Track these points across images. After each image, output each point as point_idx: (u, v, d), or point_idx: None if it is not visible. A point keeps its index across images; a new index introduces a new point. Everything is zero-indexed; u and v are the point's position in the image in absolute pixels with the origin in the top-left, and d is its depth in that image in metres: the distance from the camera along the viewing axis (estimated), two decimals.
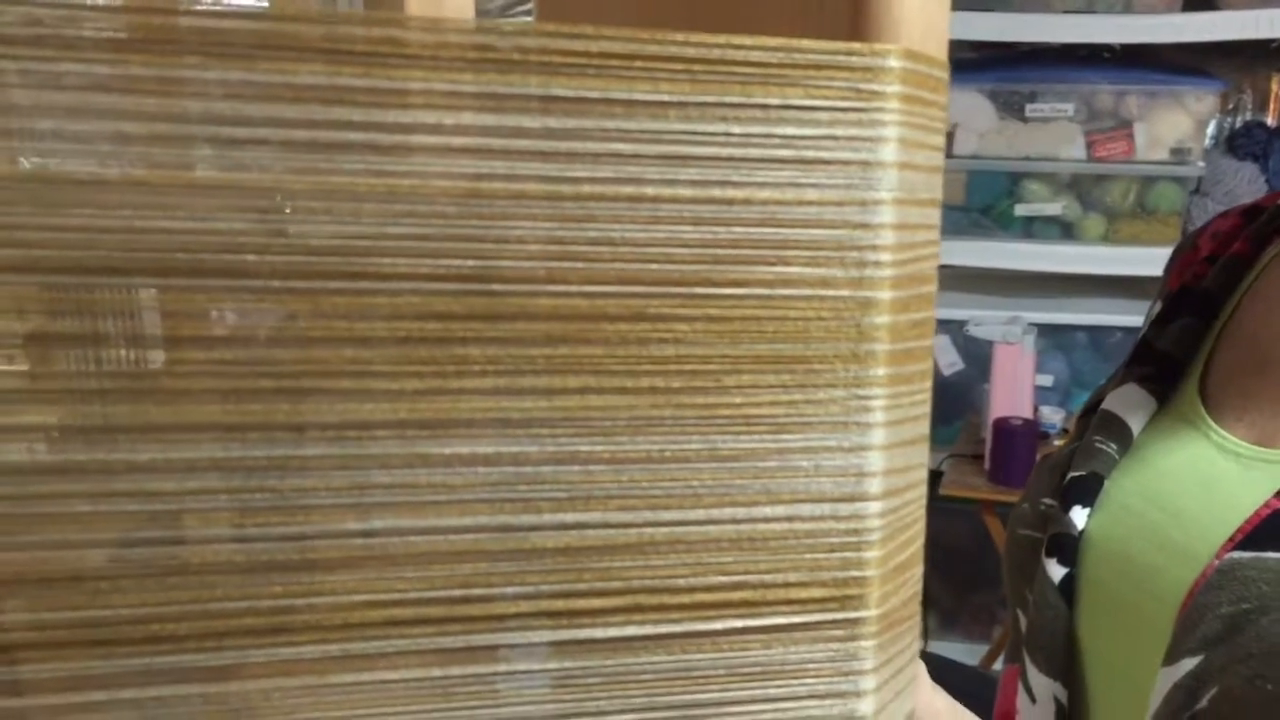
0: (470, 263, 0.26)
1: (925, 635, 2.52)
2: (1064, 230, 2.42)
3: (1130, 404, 0.69)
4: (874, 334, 0.28)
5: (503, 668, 0.28)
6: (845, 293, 0.28)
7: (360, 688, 0.27)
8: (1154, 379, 0.69)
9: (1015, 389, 2.21)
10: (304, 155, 0.25)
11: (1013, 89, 2.36)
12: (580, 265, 0.26)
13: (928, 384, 0.31)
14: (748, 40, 0.26)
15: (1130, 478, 0.66)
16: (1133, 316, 2.33)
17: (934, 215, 0.30)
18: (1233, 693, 0.53)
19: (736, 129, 0.27)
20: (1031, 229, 2.42)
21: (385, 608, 0.27)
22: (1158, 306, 0.78)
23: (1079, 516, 0.65)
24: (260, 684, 0.27)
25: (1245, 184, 2.26)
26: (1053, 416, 2.36)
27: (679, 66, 0.26)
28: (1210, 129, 2.38)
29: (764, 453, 0.28)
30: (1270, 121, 2.44)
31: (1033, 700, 0.67)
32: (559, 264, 0.26)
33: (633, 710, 0.29)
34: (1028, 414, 2.18)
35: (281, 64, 0.24)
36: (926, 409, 0.31)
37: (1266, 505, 0.57)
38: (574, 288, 0.27)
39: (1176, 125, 2.34)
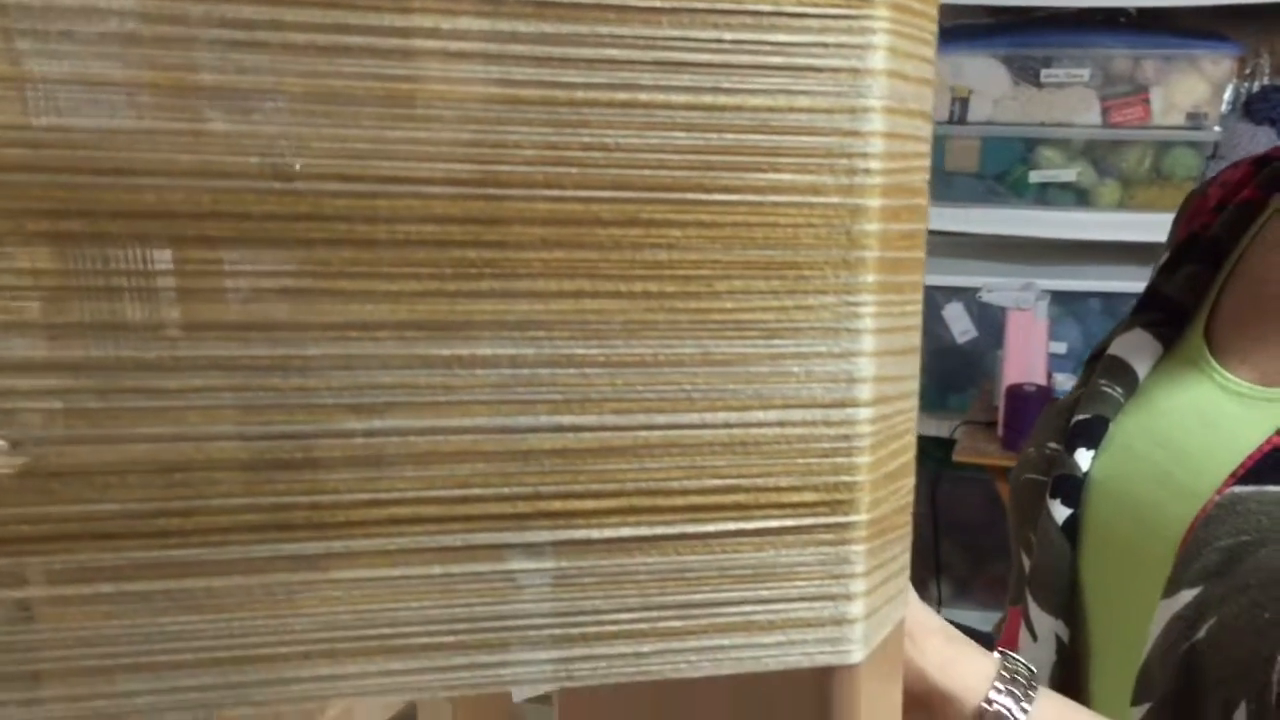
0: (467, 167, 0.26)
1: (939, 603, 2.53)
2: (1079, 197, 2.41)
3: (1136, 348, 0.70)
4: (863, 241, 0.29)
5: (501, 566, 0.29)
6: (835, 199, 0.29)
7: (361, 584, 0.28)
8: (1160, 324, 0.70)
9: (1028, 356, 2.21)
10: (302, 59, 0.25)
11: (1028, 54, 2.35)
12: (574, 170, 0.27)
13: (918, 295, 0.32)
14: None
15: (1135, 420, 0.67)
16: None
17: (924, 128, 0.31)
18: (1231, 622, 0.53)
19: (728, 35, 0.27)
20: (1046, 196, 2.41)
21: (385, 506, 0.28)
22: (1165, 256, 0.79)
23: (1083, 458, 0.66)
24: (263, 579, 0.27)
25: (1262, 148, 2.25)
26: (1066, 383, 2.36)
27: None
28: (1227, 93, 2.36)
29: (756, 357, 0.29)
30: None
31: (1034, 638, 0.68)
32: (554, 169, 0.27)
33: (628, 610, 0.30)
34: (1041, 380, 2.18)
35: None
36: (918, 321, 0.32)
37: (1268, 441, 0.58)
38: (569, 192, 0.27)
39: (1193, 90, 2.33)
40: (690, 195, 0.28)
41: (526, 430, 0.28)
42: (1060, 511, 0.66)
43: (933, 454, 2.43)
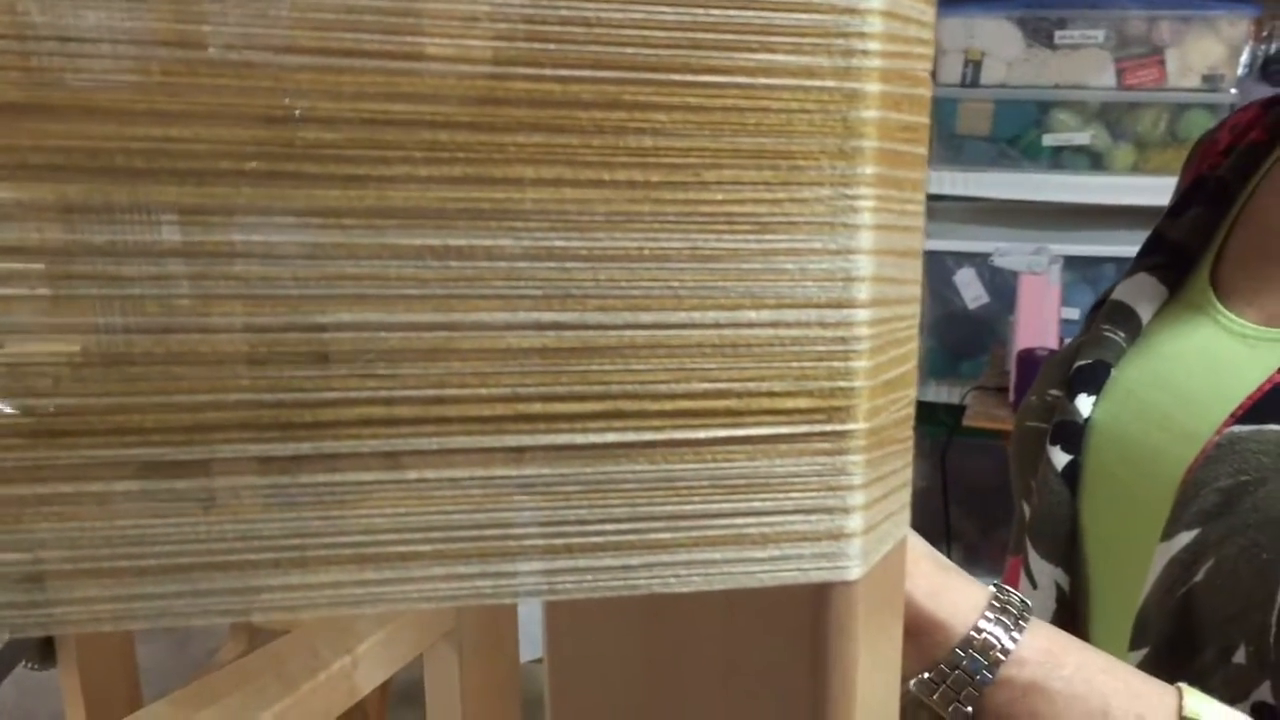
0: (437, 40, 0.25)
1: None
2: (1093, 160, 2.38)
3: (1140, 293, 0.68)
4: (861, 129, 0.27)
5: (479, 473, 0.27)
6: (831, 84, 0.27)
7: (330, 489, 0.27)
8: (1165, 268, 0.69)
9: (1041, 320, 2.19)
10: None
11: (1041, 15, 2.32)
12: (552, 46, 0.25)
13: (921, 195, 0.30)
14: None
15: (1137, 364, 0.65)
16: None
17: (927, 11, 0.29)
18: (1228, 564, 0.52)
19: None
20: (1060, 159, 2.39)
21: (355, 406, 0.26)
22: (1173, 201, 0.77)
23: (1084, 404, 0.65)
24: (230, 480, 0.26)
25: None
26: None
27: None
28: (1244, 55, 2.33)
29: (747, 253, 0.27)
30: None
31: (1034, 586, 0.66)
32: (530, 45, 0.25)
33: (614, 520, 0.28)
34: (1054, 345, 2.16)
35: None
36: (919, 221, 0.30)
37: (1269, 380, 0.56)
38: (546, 70, 0.26)
39: (1209, 51, 2.30)
40: (676, 76, 0.26)
41: (503, 327, 0.27)
42: (1060, 458, 0.65)
43: (944, 420, 2.42)
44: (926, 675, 0.47)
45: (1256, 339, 0.60)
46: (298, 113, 0.24)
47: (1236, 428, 0.55)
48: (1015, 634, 0.47)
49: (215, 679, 0.74)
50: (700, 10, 0.26)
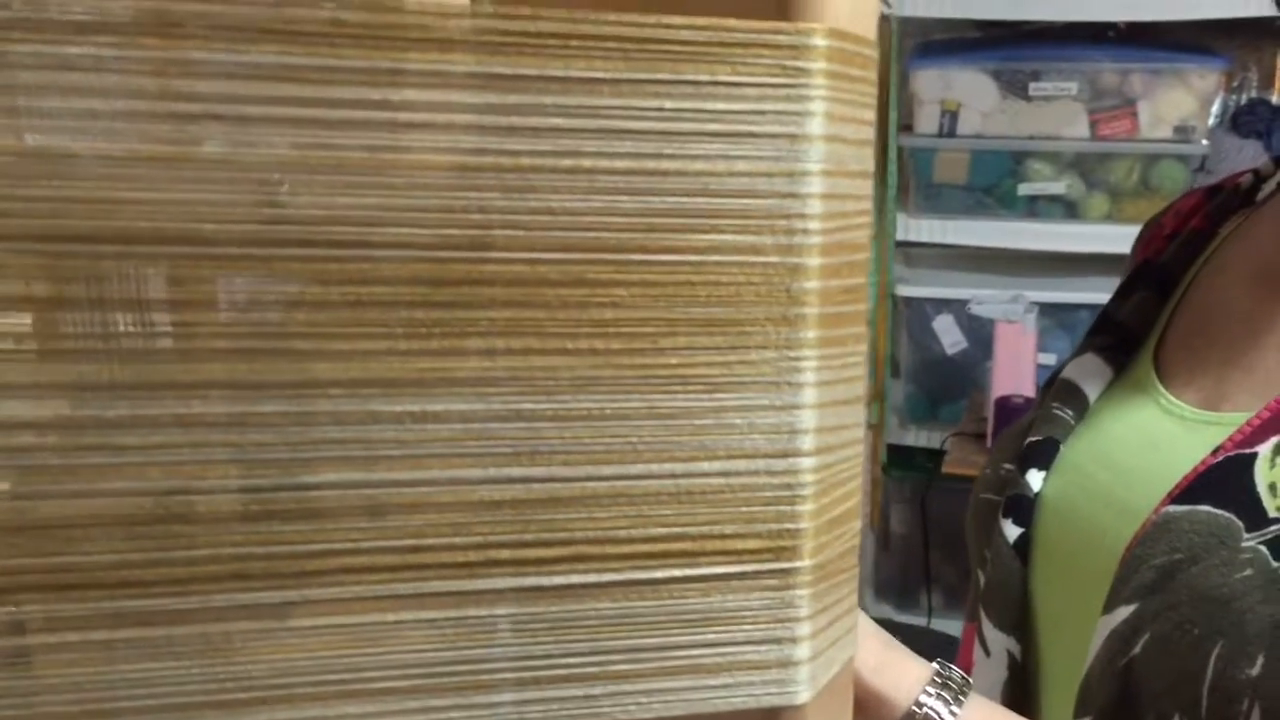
0: (415, 231, 0.28)
1: (929, 613, 2.54)
2: (1067, 209, 2.42)
3: (1088, 372, 0.71)
4: (803, 298, 0.30)
5: (452, 614, 0.30)
6: (775, 259, 0.30)
7: (317, 631, 0.29)
8: (1112, 349, 0.72)
9: (1017, 367, 2.22)
10: (255, 130, 0.26)
11: (1016, 68, 2.36)
12: (521, 233, 0.28)
13: (862, 347, 0.33)
14: (677, 20, 0.28)
15: (1084, 441, 0.68)
16: None
17: (865, 186, 0.32)
18: (1163, 638, 0.55)
19: (669, 104, 0.28)
20: (1035, 208, 2.42)
21: (340, 556, 0.29)
22: (1122, 281, 0.80)
23: (1035, 479, 0.68)
24: (223, 627, 0.28)
25: (1249, 162, 2.26)
26: None
27: (612, 45, 0.28)
28: (1214, 107, 2.38)
29: (700, 411, 0.30)
30: (1275, 99, 2.44)
31: (987, 654, 0.69)
32: (501, 232, 0.28)
33: (577, 654, 0.31)
34: (1030, 393, 2.19)
35: (231, 43, 0.26)
36: (861, 371, 0.33)
37: (1203, 462, 0.59)
38: (516, 254, 0.28)
39: (1180, 103, 2.34)
40: (634, 256, 0.29)
41: (477, 482, 0.29)
42: (1012, 530, 0.68)
43: (923, 465, 2.44)
44: None
45: (1194, 421, 0.63)
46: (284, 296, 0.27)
47: (1172, 507, 0.57)
48: (955, 708, 0.50)
49: None
50: (655, 198, 0.29)
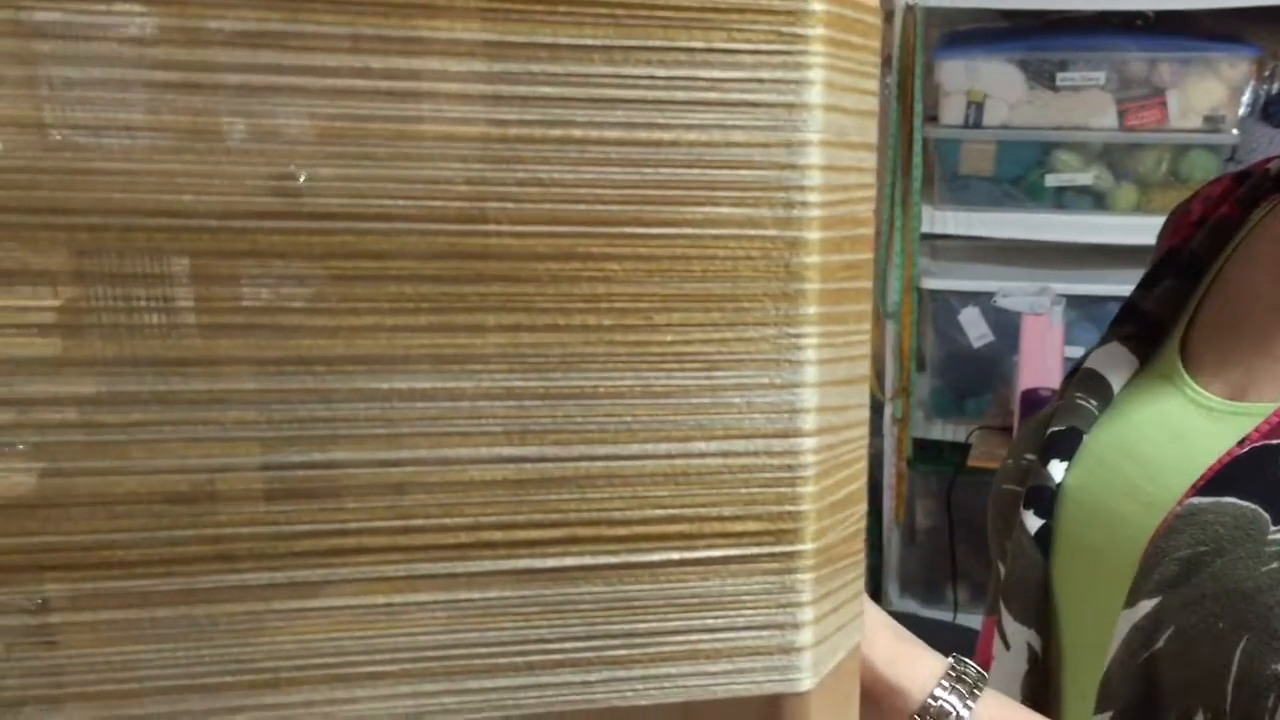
0: (400, 202, 0.27)
1: (955, 608, 2.52)
2: (1095, 200, 2.39)
3: (1112, 362, 0.70)
4: (803, 273, 0.29)
5: (444, 596, 0.29)
6: (773, 232, 0.29)
7: (305, 614, 0.28)
8: (1137, 338, 0.70)
9: (1044, 360, 2.20)
10: (232, 99, 0.26)
11: (1043, 58, 2.34)
12: (509, 205, 0.27)
13: (866, 325, 0.32)
14: None
15: (1107, 432, 0.67)
16: None
17: (867, 159, 0.31)
18: (1187, 632, 0.54)
19: (661, 72, 0.27)
20: (1062, 200, 2.40)
21: (327, 538, 0.28)
22: (1149, 270, 0.78)
23: (1057, 470, 0.66)
24: (208, 609, 0.28)
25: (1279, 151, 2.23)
26: None
27: (603, 11, 0.27)
28: (1245, 96, 2.34)
29: (696, 389, 0.29)
30: None
31: (1007, 647, 0.68)
32: (488, 204, 0.27)
33: (573, 639, 0.30)
34: (1056, 386, 2.17)
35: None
36: (865, 349, 0.32)
37: (1228, 453, 0.58)
38: (504, 227, 0.27)
39: (1210, 93, 2.31)
40: (627, 229, 0.28)
41: (467, 461, 0.28)
42: (1033, 522, 0.67)
43: (949, 459, 2.42)
44: None
45: (1220, 412, 0.62)
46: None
47: (1196, 499, 0.56)
48: (969, 703, 0.49)
49: None
50: (649, 169, 0.28)
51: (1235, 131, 2.29)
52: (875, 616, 0.50)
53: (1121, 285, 2.36)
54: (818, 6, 0.28)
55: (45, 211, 0.25)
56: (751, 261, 0.29)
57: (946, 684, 0.50)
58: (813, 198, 0.29)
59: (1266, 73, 2.46)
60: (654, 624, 0.30)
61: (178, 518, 0.27)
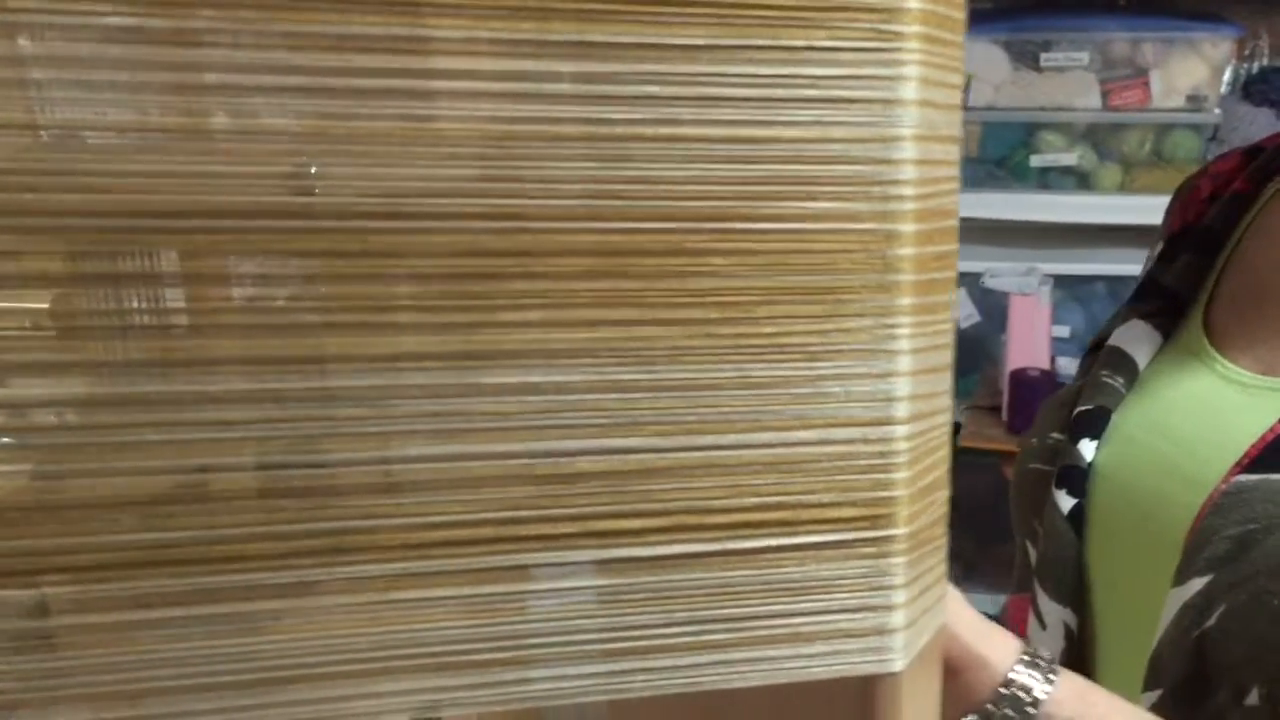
0: (513, 202, 0.27)
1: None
2: (1080, 180, 2.41)
3: (1136, 339, 0.71)
4: (899, 265, 0.30)
5: (552, 585, 0.30)
6: (870, 226, 0.29)
7: (419, 604, 0.29)
8: (1159, 315, 0.71)
9: (1032, 340, 2.22)
10: (346, 102, 0.26)
11: (1027, 39, 2.35)
12: (619, 203, 0.28)
13: (950, 314, 0.33)
14: None
15: (1137, 410, 0.67)
16: None
17: (954, 151, 0.32)
18: (1240, 609, 0.54)
19: (765, 70, 0.28)
20: (1047, 180, 2.42)
21: (441, 529, 0.29)
22: (1160, 247, 0.79)
23: (1087, 449, 0.67)
24: (323, 600, 0.28)
25: (1263, 130, 2.25)
26: (1070, 367, 2.36)
27: (708, 10, 0.27)
28: (1227, 75, 2.36)
29: (797, 379, 0.30)
30: None
31: (1043, 626, 0.69)
32: (598, 202, 0.28)
33: (675, 624, 0.31)
34: (1045, 365, 2.19)
35: (323, 14, 0.26)
36: (949, 338, 0.33)
37: (1271, 430, 0.58)
38: (613, 224, 0.28)
39: (1192, 72, 2.33)
40: (731, 224, 0.29)
41: (574, 453, 0.29)
42: (1065, 501, 0.67)
43: None
44: (974, 716, 0.49)
45: (1255, 388, 0.62)
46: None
47: (1242, 477, 0.57)
48: (1051, 675, 0.50)
49: None
50: (752, 165, 0.28)
51: (1218, 111, 2.31)
52: (954, 592, 0.51)
53: (1106, 265, 2.39)
54: (914, 4, 0.28)
55: (58, 214, 0.25)
56: (850, 254, 0.29)
57: (1026, 659, 0.51)
58: (907, 191, 0.29)
59: (1247, 52, 2.48)
60: (755, 608, 0.31)
61: (294, 513, 0.28)
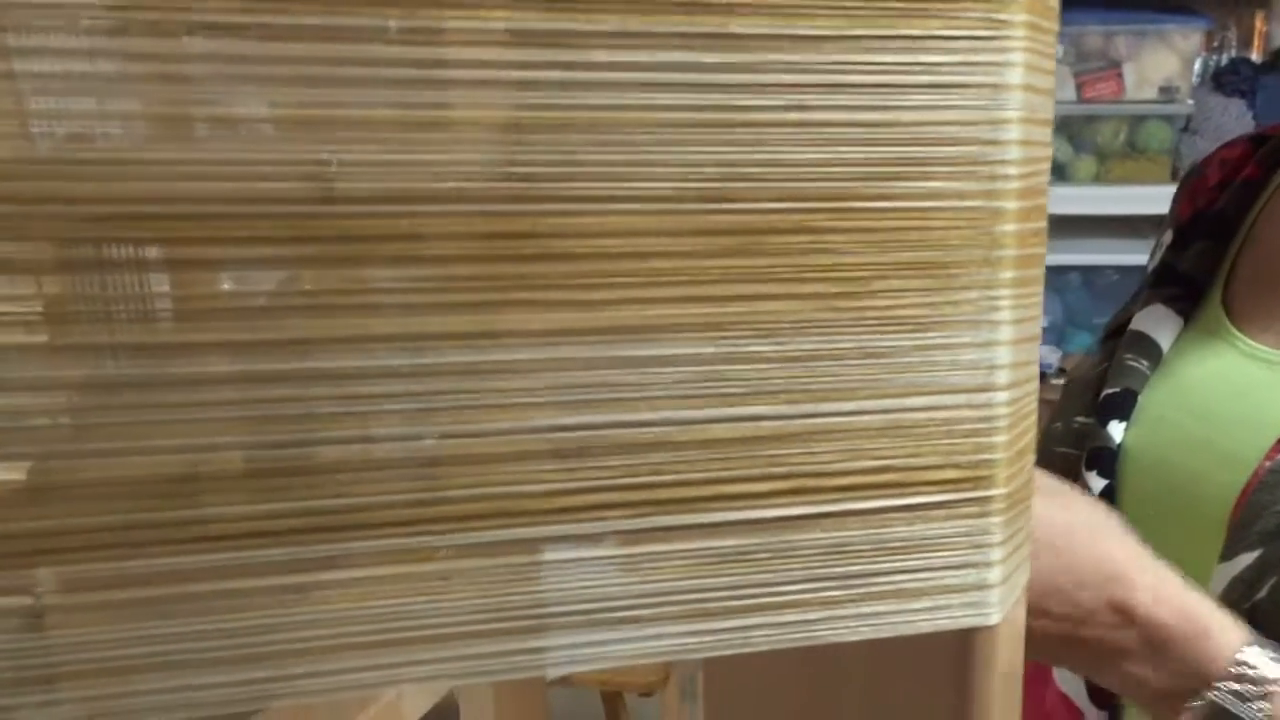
0: (657, 185, 0.29)
1: None
2: (1056, 172, 2.45)
3: (1158, 322, 0.73)
4: (1003, 240, 0.32)
5: (686, 545, 0.31)
6: (979, 203, 0.31)
7: (558, 565, 0.31)
8: (1178, 299, 0.74)
9: None
10: (535, 91, 0.28)
11: None
12: (751, 185, 0.30)
13: (1041, 287, 0.35)
14: None
15: (1163, 391, 0.70)
16: (1126, 256, 2.37)
17: (1048, 133, 0.34)
18: None
19: (886, 58, 0.30)
20: None
21: (589, 494, 0.30)
22: (1168, 235, 0.82)
23: (1116, 430, 0.70)
24: (476, 562, 0.30)
25: (1233, 120, 2.30)
26: (1049, 356, 2.40)
27: (836, 4, 0.29)
28: (1197, 67, 2.41)
29: (908, 349, 0.32)
30: (1255, 58, 2.48)
31: None
32: (732, 184, 0.30)
33: (794, 581, 0.33)
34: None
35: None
36: (1040, 309, 0.35)
37: None
38: (745, 205, 0.30)
39: (1164, 64, 2.38)
40: (852, 204, 0.31)
41: (707, 421, 0.31)
42: (1097, 483, 0.70)
43: None
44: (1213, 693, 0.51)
45: None
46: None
47: None
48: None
49: (273, 714, 0.77)
50: (872, 148, 0.30)
51: (1190, 102, 2.36)
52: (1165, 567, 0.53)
53: (1084, 255, 2.43)
54: None
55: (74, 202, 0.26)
56: (960, 230, 0.31)
57: (1252, 640, 0.53)
58: (1012, 170, 0.32)
59: (1216, 43, 2.53)
60: (865, 566, 0.33)
61: (460, 476, 0.29)
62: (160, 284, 0.27)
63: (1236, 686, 0.50)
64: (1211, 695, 0.50)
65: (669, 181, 0.29)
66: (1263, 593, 0.58)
